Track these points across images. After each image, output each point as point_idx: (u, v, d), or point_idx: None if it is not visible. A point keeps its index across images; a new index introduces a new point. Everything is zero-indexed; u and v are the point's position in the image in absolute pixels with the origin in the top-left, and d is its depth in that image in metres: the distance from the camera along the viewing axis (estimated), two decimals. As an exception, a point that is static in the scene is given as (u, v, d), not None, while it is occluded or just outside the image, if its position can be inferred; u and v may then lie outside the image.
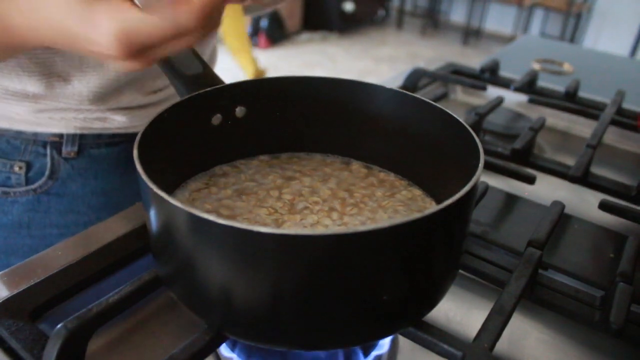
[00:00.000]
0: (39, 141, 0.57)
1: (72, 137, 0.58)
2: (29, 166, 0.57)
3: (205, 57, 0.65)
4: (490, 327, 0.36)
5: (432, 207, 0.45)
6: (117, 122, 0.59)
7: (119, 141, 0.61)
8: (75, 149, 0.58)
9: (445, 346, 0.35)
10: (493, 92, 0.89)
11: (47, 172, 0.58)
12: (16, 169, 0.57)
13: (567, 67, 1.09)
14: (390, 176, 0.48)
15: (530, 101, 0.83)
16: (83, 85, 0.56)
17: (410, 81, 0.88)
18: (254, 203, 0.43)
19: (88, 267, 0.44)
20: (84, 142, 0.59)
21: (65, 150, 0.58)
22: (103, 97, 0.57)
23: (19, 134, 0.56)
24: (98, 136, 0.59)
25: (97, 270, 0.44)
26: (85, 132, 0.58)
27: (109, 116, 0.58)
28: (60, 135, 0.57)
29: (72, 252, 0.45)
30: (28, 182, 0.57)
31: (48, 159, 0.57)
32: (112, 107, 0.58)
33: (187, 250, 0.32)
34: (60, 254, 0.45)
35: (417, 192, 0.46)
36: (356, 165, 0.49)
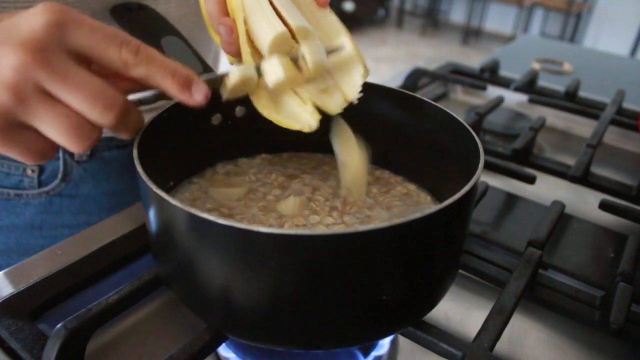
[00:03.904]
0: None
1: None
2: (41, 169, 0.57)
3: (209, 59, 0.65)
4: (490, 327, 0.36)
5: (427, 201, 0.45)
6: None
7: (130, 143, 0.61)
8: (88, 152, 0.58)
9: (445, 346, 0.35)
10: (493, 91, 0.89)
11: (59, 175, 0.58)
12: (29, 172, 0.57)
13: (567, 66, 1.09)
14: (385, 173, 0.48)
15: (531, 101, 0.83)
16: None
17: (410, 81, 0.88)
18: (256, 202, 0.43)
19: (88, 267, 0.44)
20: (97, 145, 0.59)
21: (78, 153, 0.58)
22: None
23: None
24: (110, 139, 0.59)
25: (97, 270, 0.44)
26: None
27: None
28: None
29: (72, 252, 0.45)
30: (41, 184, 0.58)
31: (60, 162, 0.58)
32: None
33: (187, 250, 0.32)
34: (60, 254, 0.45)
35: (412, 187, 0.47)
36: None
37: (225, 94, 0.37)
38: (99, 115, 0.31)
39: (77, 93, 0.30)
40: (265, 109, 0.38)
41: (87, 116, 0.31)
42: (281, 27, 0.37)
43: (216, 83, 0.37)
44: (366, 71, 0.40)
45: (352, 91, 0.40)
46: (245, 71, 0.36)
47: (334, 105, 0.39)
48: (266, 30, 0.37)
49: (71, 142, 0.31)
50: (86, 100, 0.30)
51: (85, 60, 0.32)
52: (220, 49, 0.69)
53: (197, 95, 0.34)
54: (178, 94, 0.33)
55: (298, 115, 0.38)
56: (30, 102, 0.30)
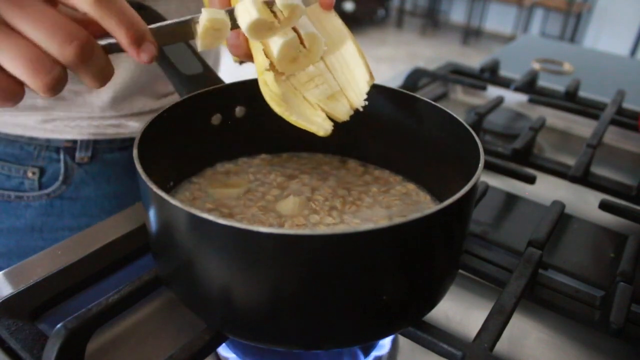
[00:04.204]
0: (52, 147, 0.57)
1: (86, 143, 0.58)
2: (42, 171, 0.57)
3: (210, 60, 0.65)
4: (490, 327, 0.36)
5: (426, 200, 0.45)
6: (131, 127, 0.59)
7: (131, 145, 0.61)
8: (89, 154, 0.58)
9: (445, 346, 0.35)
10: (493, 91, 0.89)
11: (60, 177, 0.58)
12: (29, 174, 0.57)
13: (567, 66, 1.09)
14: (384, 173, 0.48)
15: (531, 101, 0.83)
16: (94, 96, 0.55)
17: (410, 81, 0.88)
18: (255, 202, 0.43)
19: (88, 267, 0.44)
20: (98, 147, 0.59)
21: (79, 155, 0.58)
22: (115, 106, 0.57)
23: (32, 140, 0.56)
24: (111, 141, 0.59)
25: (97, 270, 0.44)
26: (99, 137, 0.58)
27: (122, 122, 0.58)
28: (74, 141, 0.57)
29: (72, 252, 0.45)
30: (41, 187, 0.58)
31: (61, 165, 0.57)
32: (125, 113, 0.58)
33: (187, 250, 0.32)
34: (60, 254, 0.45)
35: (411, 186, 0.47)
36: (353, 164, 0.50)
37: (199, 43, 0.36)
38: (59, 47, 0.29)
39: (37, 24, 0.29)
40: (279, 107, 0.38)
41: (46, 49, 0.30)
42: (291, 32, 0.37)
43: (186, 30, 0.35)
44: (371, 78, 0.40)
45: (357, 98, 0.40)
46: (213, 14, 0.35)
47: (341, 112, 0.39)
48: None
49: (30, 76, 0.30)
50: (45, 32, 0.29)
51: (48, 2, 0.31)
52: (221, 50, 0.70)
53: (144, 55, 0.33)
54: (127, 47, 0.32)
55: (311, 118, 0.38)
56: None
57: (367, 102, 0.40)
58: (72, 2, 0.31)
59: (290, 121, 0.38)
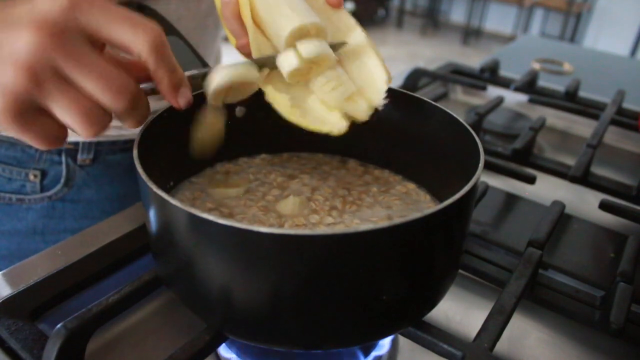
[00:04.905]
0: (53, 149, 0.57)
1: (88, 145, 0.58)
2: (43, 174, 0.57)
3: (210, 60, 0.65)
4: (490, 327, 0.36)
5: (426, 200, 0.45)
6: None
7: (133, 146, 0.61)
8: (91, 156, 0.58)
9: (445, 346, 0.35)
10: (493, 91, 0.89)
11: (62, 180, 0.58)
12: (31, 177, 0.57)
13: (567, 66, 1.09)
14: (384, 173, 0.48)
15: (531, 101, 0.83)
16: None
17: (410, 81, 0.88)
18: (255, 202, 0.43)
19: (88, 267, 0.44)
20: (100, 149, 0.59)
21: (81, 157, 0.58)
22: None
23: None
24: (113, 143, 0.59)
25: (97, 270, 0.44)
26: (101, 139, 0.58)
27: None
28: (76, 143, 0.57)
29: (72, 252, 0.45)
30: (43, 189, 0.57)
31: (63, 167, 0.57)
32: None
33: (187, 250, 0.32)
34: (60, 254, 0.45)
35: (411, 186, 0.47)
36: (353, 163, 0.50)
37: (209, 95, 0.37)
38: (112, 99, 0.31)
39: (92, 76, 0.30)
40: (292, 115, 0.38)
41: (99, 100, 0.31)
42: (299, 21, 0.37)
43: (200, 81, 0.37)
44: (389, 77, 0.40)
45: (376, 97, 0.40)
46: (212, 84, 0.37)
47: (360, 113, 0.39)
48: (283, 23, 0.38)
49: (83, 126, 0.31)
50: (100, 85, 0.30)
51: (97, 45, 0.32)
52: (222, 50, 0.70)
53: (181, 100, 0.35)
54: (167, 91, 0.34)
55: (325, 118, 0.39)
56: (46, 84, 0.30)
57: (386, 101, 0.40)
58: (130, 49, 0.32)
59: (302, 126, 0.38)
